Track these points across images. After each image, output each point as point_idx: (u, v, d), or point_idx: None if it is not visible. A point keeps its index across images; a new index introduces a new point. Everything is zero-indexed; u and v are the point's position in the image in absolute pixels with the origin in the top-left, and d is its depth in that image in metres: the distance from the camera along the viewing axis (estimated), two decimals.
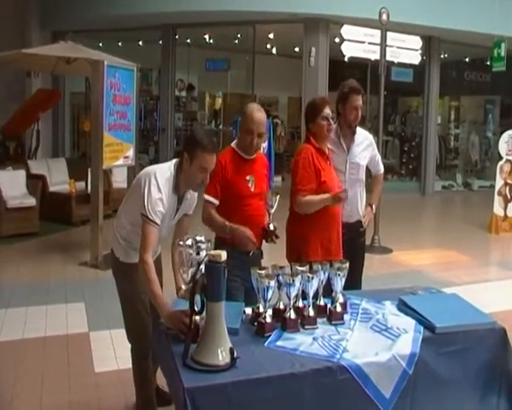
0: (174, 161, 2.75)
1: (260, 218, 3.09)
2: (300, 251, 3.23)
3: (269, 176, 3.29)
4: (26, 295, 5.17)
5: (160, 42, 12.60)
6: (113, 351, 4.01)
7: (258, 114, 3.01)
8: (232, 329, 2.23)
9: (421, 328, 2.38)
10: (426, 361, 2.24)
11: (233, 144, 3.15)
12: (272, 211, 3.04)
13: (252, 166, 3.10)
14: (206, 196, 3.03)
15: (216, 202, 3.03)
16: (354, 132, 3.63)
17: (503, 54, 10.74)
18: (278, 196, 3.01)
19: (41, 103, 9.97)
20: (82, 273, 6.01)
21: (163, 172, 2.66)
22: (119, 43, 13.22)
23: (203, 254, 2.25)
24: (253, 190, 3.06)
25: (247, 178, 3.05)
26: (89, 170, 6.72)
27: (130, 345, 3.05)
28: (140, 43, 13.55)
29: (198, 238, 2.29)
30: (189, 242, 2.30)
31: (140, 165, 7.57)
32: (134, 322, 2.97)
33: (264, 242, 3.14)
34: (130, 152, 6.71)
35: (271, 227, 3.05)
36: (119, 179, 8.61)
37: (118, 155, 6.51)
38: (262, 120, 3.02)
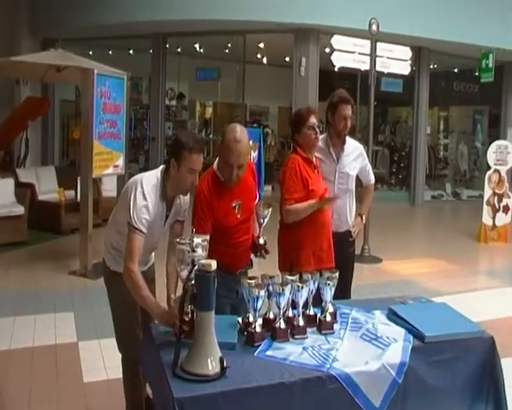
0: (161, 167, 2.74)
1: (248, 241, 2.97)
2: (293, 260, 3.22)
3: (257, 184, 3.11)
4: (14, 305, 5.12)
5: (151, 51, 12.62)
6: (103, 361, 3.98)
7: (237, 145, 2.70)
8: (229, 344, 2.23)
9: (411, 337, 2.38)
10: (415, 370, 2.24)
11: (214, 166, 2.87)
12: (264, 224, 2.89)
13: (237, 188, 2.86)
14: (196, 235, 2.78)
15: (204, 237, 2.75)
16: (344, 142, 3.65)
17: (491, 65, 10.88)
18: (270, 209, 2.86)
19: (30, 111, 9.92)
20: (71, 282, 5.96)
21: (149, 180, 2.67)
22: (110, 52, 13.22)
23: (199, 251, 2.24)
24: (239, 216, 2.87)
25: (233, 204, 2.85)
26: (78, 178, 6.69)
27: (120, 354, 3.03)
28: (130, 51, 13.57)
29: (195, 239, 2.29)
30: (186, 240, 2.30)
31: (130, 174, 7.56)
32: (125, 331, 2.95)
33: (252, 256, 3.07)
34: (120, 161, 6.69)
35: (261, 241, 2.92)
36: (109, 188, 8.58)
37: (107, 164, 6.49)
38: (242, 151, 2.72)
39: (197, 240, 2.28)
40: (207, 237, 2.47)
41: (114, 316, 2.98)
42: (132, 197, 2.60)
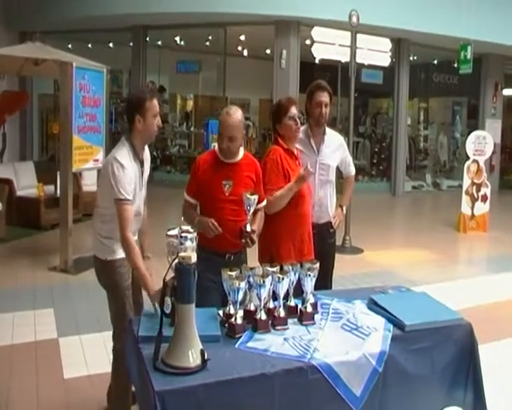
0: (122, 137, 2.98)
1: (236, 223, 3.00)
2: (273, 253, 3.22)
3: (258, 181, 3.16)
4: None
5: (131, 44, 12.50)
6: (84, 356, 3.95)
7: (228, 117, 2.98)
8: (214, 336, 2.23)
9: (391, 326, 2.41)
10: (395, 359, 2.26)
11: (216, 146, 3.14)
12: (250, 212, 2.95)
13: (232, 170, 3.04)
14: (185, 196, 3.11)
15: (193, 201, 3.09)
16: (324, 133, 3.65)
17: (469, 56, 10.99)
18: (256, 196, 2.92)
19: (7, 106, 9.75)
20: (51, 278, 5.89)
21: (120, 151, 2.89)
22: (89, 45, 13.06)
23: (187, 243, 2.24)
24: (227, 194, 3.00)
25: (224, 182, 3.00)
26: (58, 173, 6.61)
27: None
28: (110, 45, 13.41)
29: (184, 228, 2.29)
30: (175, 232, 2.30)
31: None
32: (120, 318, 2.95)
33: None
34: (100, 155, 6.61)
35: (247, 228, 2.96)
36: (89, 183, 8.50)
37: (87, 158, 6.42)
38: (231, 124, 2.96)
39: (188, 234, 2.31)
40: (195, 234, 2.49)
41: (110, 303, 3.00)
42: (111, 173, 2.80)
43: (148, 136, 2.95)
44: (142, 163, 2.98)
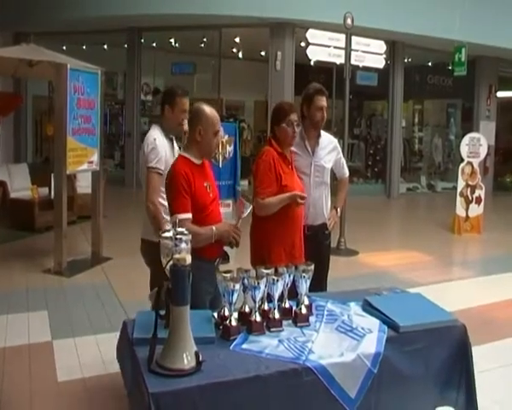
0: (153, 125, 3.46)
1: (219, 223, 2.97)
2: (264, 256, 3.22)
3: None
4: None
5: (126, 45, 12.48)
6: (78, 359, 3.92)
7: (214, 111, 2.94)
8: (208, 338, 2.23)
9: (386, 328, 2.41)
10: (390, 360, 2.27)
11: (182, 153, 2.94)
12: (243, 216, 2.92)
13: (204, 171, 2.99)
14: (181, 215, 2.73)
15: (190, 216, 2.80)
16: (319, 135, 3.66)
17: (463, 59, 11.04)
18: (251, 206, 2.94)
19: (1, 107, 9.71)
20: (45, 281, 5.85)
21: (151, 131, 3.38)
22: (84, 47, 13.03)
23: (182, 245, 2.23)
24: (211, 195, 2.97)
25: (205, 184, 2.93)
26: (52, 175, 6.58)
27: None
28: (105, 46, 13.39)
29: (179, 230, 2.29)
30: (170, 233, 2.29)
31: (105, 170, 7.46)
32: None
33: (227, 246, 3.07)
34: (95, 157, 6.60)
35: None
36: (84, 185, 8.45)
37: (82, 160, 6.40)
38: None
39: (183, 236, 2.27)
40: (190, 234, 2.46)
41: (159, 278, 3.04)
42: (146, 147, 3.26)
43: (172, 125, 3.38)
44: (172, 141, 3.42)
